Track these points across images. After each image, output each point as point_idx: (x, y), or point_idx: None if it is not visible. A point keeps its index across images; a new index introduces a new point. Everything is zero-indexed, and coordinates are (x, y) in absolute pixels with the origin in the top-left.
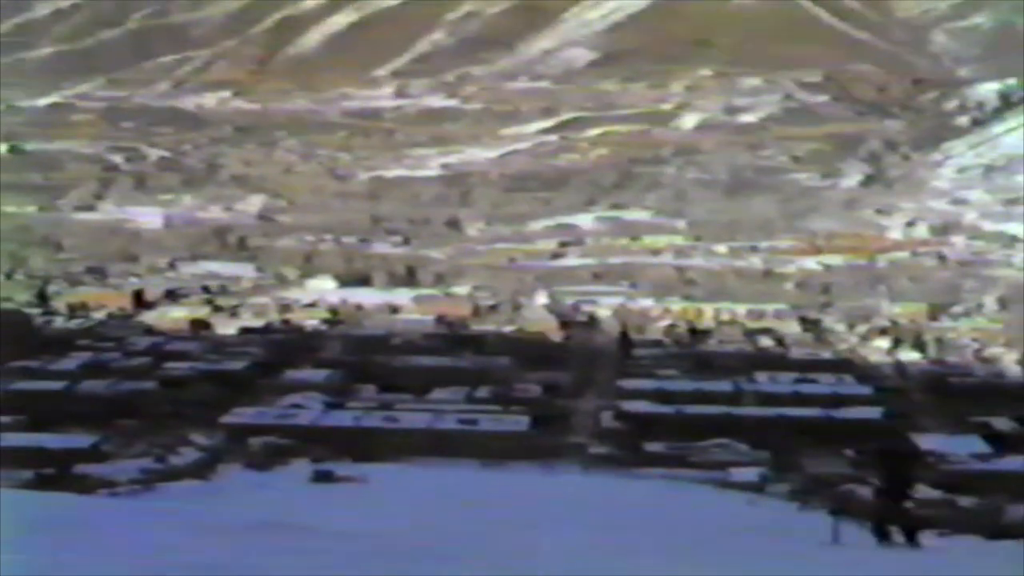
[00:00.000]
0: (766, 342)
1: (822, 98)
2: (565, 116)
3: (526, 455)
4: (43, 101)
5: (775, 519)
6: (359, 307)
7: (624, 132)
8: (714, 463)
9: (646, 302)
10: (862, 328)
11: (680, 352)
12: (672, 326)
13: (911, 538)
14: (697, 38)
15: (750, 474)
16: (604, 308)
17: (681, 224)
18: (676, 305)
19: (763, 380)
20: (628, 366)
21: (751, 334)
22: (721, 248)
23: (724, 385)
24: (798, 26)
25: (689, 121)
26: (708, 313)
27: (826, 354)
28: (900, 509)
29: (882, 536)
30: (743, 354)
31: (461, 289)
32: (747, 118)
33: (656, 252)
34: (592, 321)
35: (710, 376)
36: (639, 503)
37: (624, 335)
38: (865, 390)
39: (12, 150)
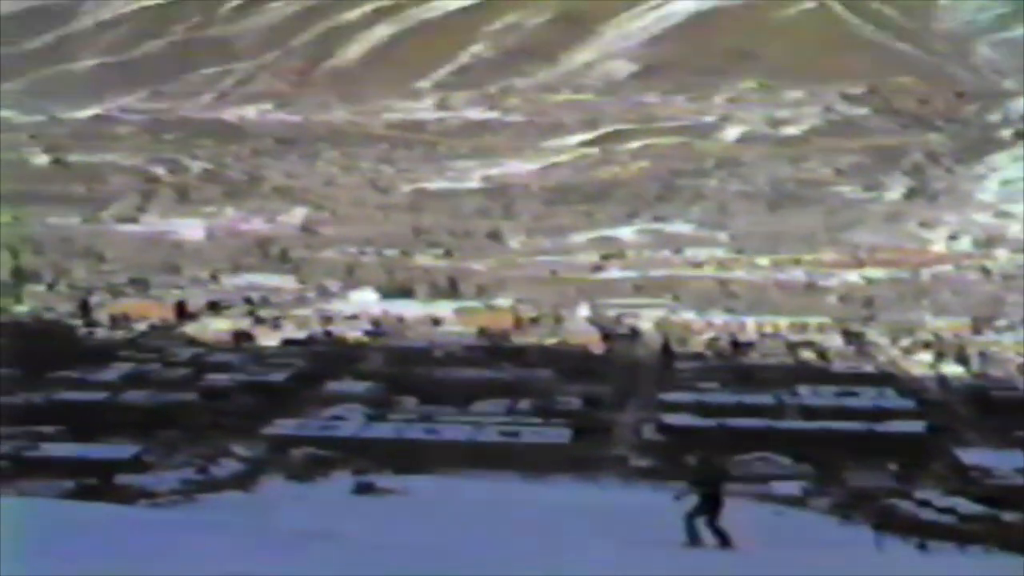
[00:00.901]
0: (808, 355)
1: (864, 110)
2: (606, 128)
3: (567, 467)
4: (86, 113)
5: (816, 532)
6: (401, 319)
7: (666, 144)
8: (756, 476)
9: (688, 315)
10: (905, 341)
11: (722, 365)
12: (714, 339)
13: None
14: (739, 50)
15: (792, 487)
16: (646, 321)
17: (723, 237)
18: (718, 318)
19: (805, 393)
20: (670, 379)
21: (793, 347)
22: (763, 261)
23: (766, 398)
24: (840, 38)
25: (731, 133)
26: (750, 326)
27: (868, 367)
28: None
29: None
30: (785, 367)
31: (503, 301)
32: (789, 130)
33: (698, 265)
34: (634, 334)
35: (752, 389)
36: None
37: (666, 348)
38: (908, 404)
39: (55, 162)
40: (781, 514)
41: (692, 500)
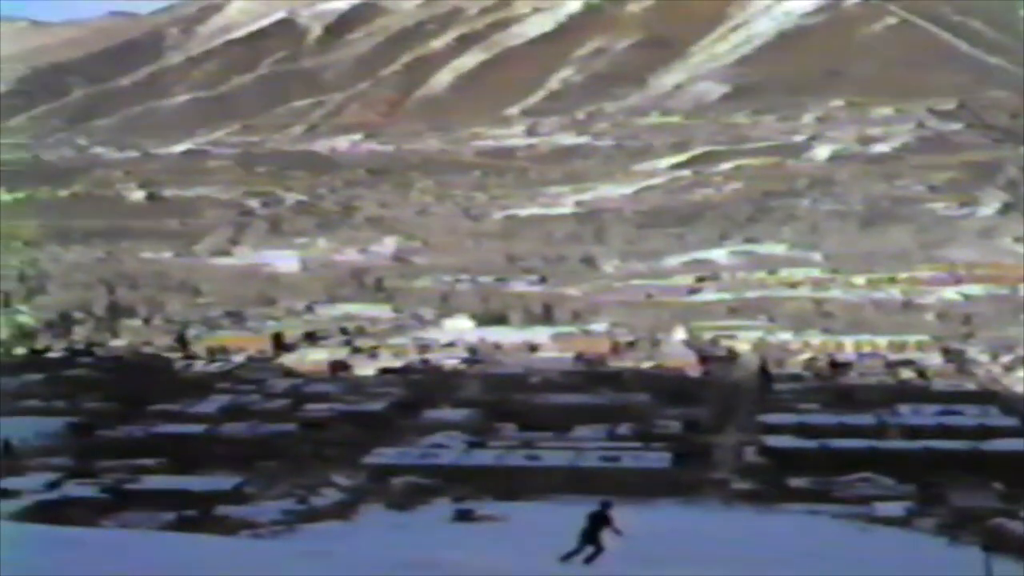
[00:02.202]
0: (908, 374)
1: (956, 126)
2: (697, 150)
3: (668, 491)
4: (178, 148)
5: (922, 555)
6: (497, 346)
7: (757, 165)
8: (859, 498)
9: (785, 336)
10: (1005, 358)
11: (821, 385)
12: (812, 359)
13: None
14: (827, 68)
15: (896, 508)
16: (742, 342)
17: (817, 256)
18: (815, 338)
19: (906, 413)
20: (768, 400)
21: (892, 366)
22: (859, 280)
23: (867, 418)
24: (929, 53)
25: (822, 152)
26: (848, 346)
27: (970, 385)
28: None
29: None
30: (885, 386)
31: (598, 326)
32: (881, 148)
33: (793, 285)
34: (731, 356)
35: (852, 409)
36: (782, 538)
37: (763, 369)
38: (1012, 422)
39: (149, 197)
40: (867, 531)
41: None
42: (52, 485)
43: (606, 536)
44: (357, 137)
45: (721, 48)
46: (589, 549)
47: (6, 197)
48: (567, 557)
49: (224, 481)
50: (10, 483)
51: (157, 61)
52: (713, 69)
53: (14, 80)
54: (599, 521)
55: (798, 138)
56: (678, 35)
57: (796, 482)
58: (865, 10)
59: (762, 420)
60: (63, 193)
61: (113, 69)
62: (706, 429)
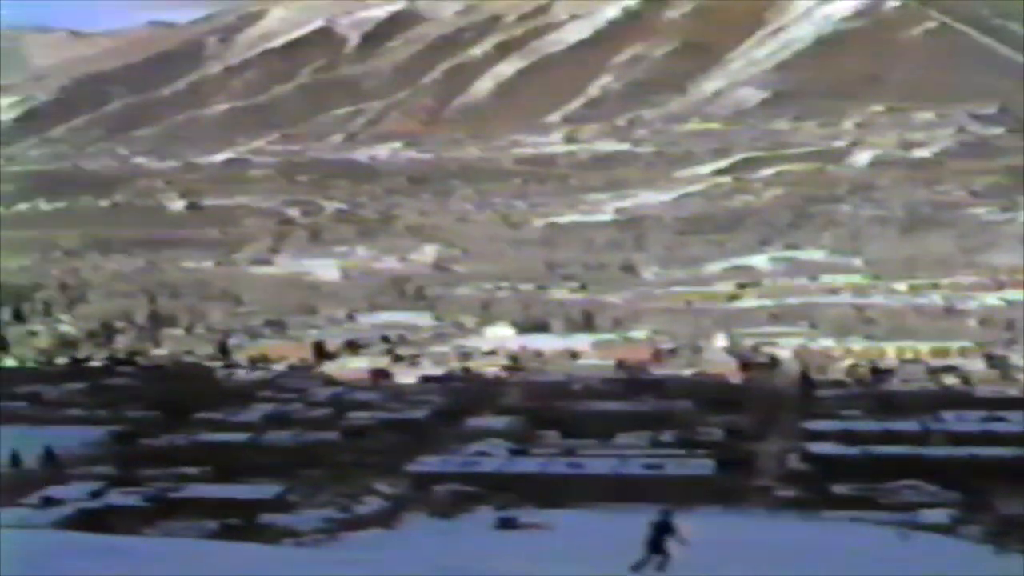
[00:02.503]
0: (951, 380)
1: (997, 130)
2: (738, 157)
3: (712, 498)
4: (219, 157)
5: (967, 562)
6: (538, 353)
7: (798, 171)
8: (903, 504)
9: (826, 342)
10: None
11: (863, 392)
12: (854, 366)
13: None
14: (867, 73)
15: (940, 515)
16: (784, 349)
17: (858, 262)
18: (857, 344)
19: (950, 419)
20: (811, 407)
21: (935, 372)
22: (900, 286)
23: (911, 425)
24: (969, 57)
25: (863, 158)
26: (890, 352)
27: (1013, 391)
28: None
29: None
30: (928, 393)
31: (639, 333)
32: (921, 153)
33: (834, 291)
34: (772, 362)
35: (895, 416)
36: (826, 545)
37: (805, 376)
38: None
39: (190, 206)
40: (911, 538)
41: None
42: (95, 494)
43: (671, 544)
44: (397, 145)
45: (760, 54)
46: (657, 558)
47: (46, 207)
48: (637, 567)
49: (267, 489)
50: (54, 492)
51: (197, 71)
52: (752, 75)
53: (55, 90)
54: (663, 529)
55: (838, 143)
56: (716, 41)
57: (839, 489)
58: (904, 14)
59: (805, 427)
60: (104, 203)
61: (153, 79)
62: (749, 436)
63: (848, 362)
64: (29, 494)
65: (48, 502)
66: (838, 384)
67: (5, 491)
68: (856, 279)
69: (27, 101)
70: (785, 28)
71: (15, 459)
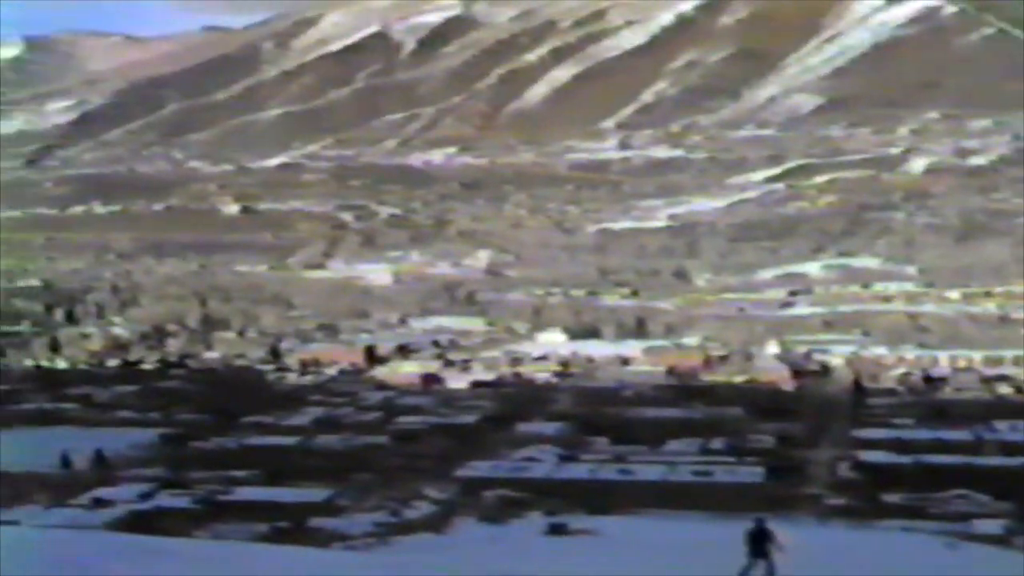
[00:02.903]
0: (1004, 389)
1: None
2: (791, 163)
3: (761, 507)
4: (273, 162)
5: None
6: (589, 359)
7: (852, 178)
8: (955, 515)
9: (879, 350)
10: None
11: (915, 400)
12: (906, 374)
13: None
14: (922, 80)
15: (993, 526)
16: (836, 357)
17: (912, 270)
18: (910, 353)
19: (1003, 428)
20: (863, 415)
21: (988, 381)
22: (954, 294)
23: (963, 434)
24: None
25: (917, 165)
26: (943, 360)
27: None
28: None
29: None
30: (981, 402)
31: (691, 340)
32: (977, 160)
33: (887, 299)
34: (824, 370)
35: (947, 425)
36: (877, 555)
37: (857, 384)
38: None
39: (244, 210)
40: (963, 549)
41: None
42: (145, 496)
43: (773, 551)
44: (451, 150)
45: (815, 60)
46: (763, 563)
47: (101, 210)
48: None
49: (317, 493)
50: (103, 493)
51: (252, 75)
52: (807, 81)
53: (110, 94)
54: (762, 537)
55: (893, 151)
56: (772, 47)
57: (891, 498)
58: (961, 21)
59: (856, 435)
60: (158, 206)
61: (208, 83)
62: (799, 444)
63: (900, 370)
64: (79, 495)
65: (98, 503)
66: (890, 392)
67: (55, 492)
68: (909, 287)
69: (82, 105)
70: (841, 34)
71: (65, 460)
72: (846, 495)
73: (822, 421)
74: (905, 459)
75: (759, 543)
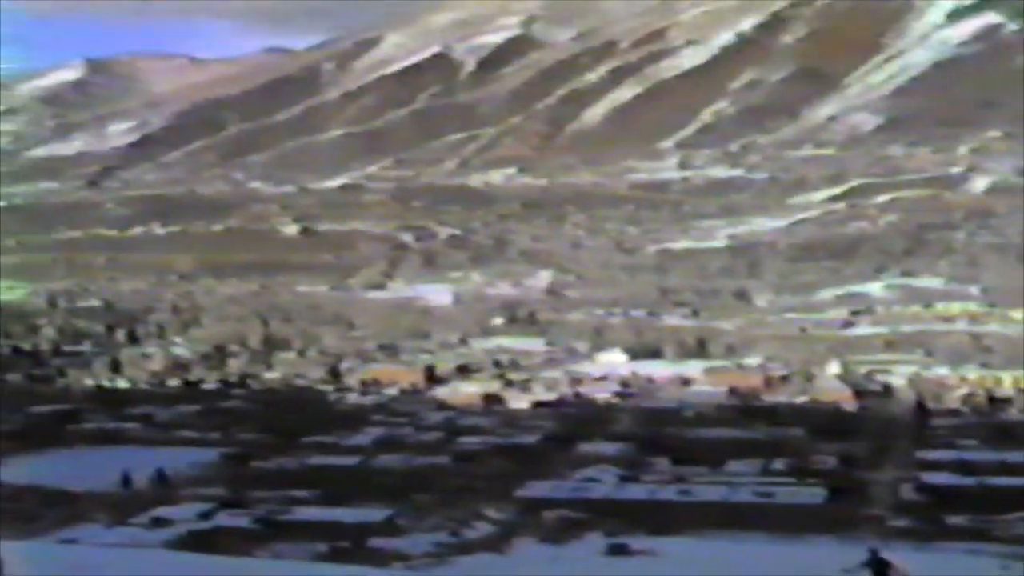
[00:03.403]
0: None
1: None
2: (852, 183)
3: (823, 528)
4: (333, 183)
5: None
6: (650, 379)
7: (913, 197)
8: (1020, 537)
9: (942, 370)
10: None
11: (979, 421)
12: (970, 395)
13: None
14: (983, 99)
15: None
16: (898, 377)
17: (975, 290)
18: (973, 373)
19: None
20: (926, 436)
21: None
22: (1017, 314)
23: None
24: None
25: (979, 184)
26: (1007, 381)
27: None
28: None
29: None
30: None
31: (752, 360)
32: None
33: (950, 319)
34: (886, 390)
35: (1012, 446)
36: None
37: (920, 404)
38: None
39: (304, 231)
40: (1008, 569)
41: None
42: (205, 515)
43: None
44: (511, 171)
45: (876, 79)
46: None
47: (161, 231)
48: None
49: (376, 513)
50: (164, 512)
51: (313, 96)
52: (867, 100)
53: (171, 116)
54: (882, 568)
55: (954, 170)
56: (832, 66)
57: (954, 520)
58: (1022, 39)
59: (919, 456)
60: (218, 227)
61: (269, 105)
62: (862, 465)
63: (964, 391)
64: (139, 514)
65: (158, 522)
66: (953, 413)
67: (115, 511)
68: (972, 307)
69: (144, 126)
70: (902, 53)
71: (126, 480)
72: (909, 517)
73: (884, 442)
74: (969, 480)
75: (881, 573)
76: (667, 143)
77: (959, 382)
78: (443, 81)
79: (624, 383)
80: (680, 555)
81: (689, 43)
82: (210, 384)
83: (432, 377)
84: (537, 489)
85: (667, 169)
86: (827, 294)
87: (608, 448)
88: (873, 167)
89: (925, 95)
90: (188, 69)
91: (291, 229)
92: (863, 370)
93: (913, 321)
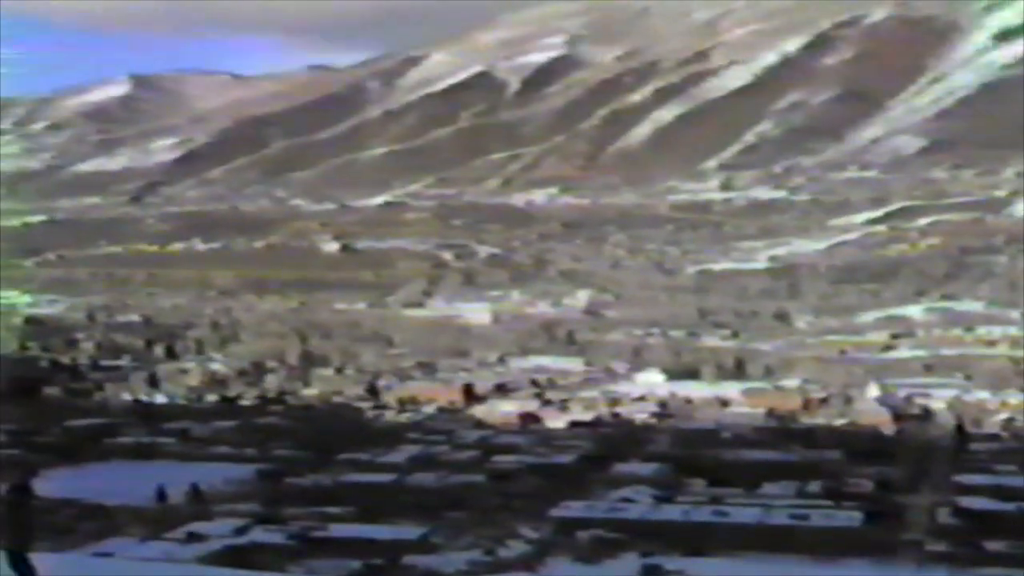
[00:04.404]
0: None
1: None
2: (894, 205)
3: (859, 552)
4: (375, 200)
5: None
6: (688, 400)
7: (955, 221)
8: None
9: (982, 394)
10: None
11: (1019, 447)
12: (1010, 420)
13: None
14: None
15: None
16: (938, 401)
17: (1016, 314)
18: (1013, 398)
19: None
20: (964, 461)
21: None
22: None
23: None
24: None
25: (1022, 208)
26: None
27: None
28: None
29: None
30: None
31: (791, 382)
32: None
33: (991, 343)
34: (926, 414)
35: None
36: None
37: (960, 429)
38: None
39: (344, 249)
40: None
41: None
42: (240, 530)
43: None
44: (553, 190)
45: (921, 101)
46: None
47: (202, 247)
48: None
49: (411, 531)
50: (199, 527)
51: (356, 114)
52: (912, 123)
53: (215, 132)
54: None
55: (998, 193)
56: (877, 88)
57: (993, 545)
58: None
59: (957, 481)
60: (259, 244)
61: (312, 122)
62: (899, 488)
63: (1004, 415)
64: (174, 529)
65: (192, 537)
66: (993, 438)
67: (150, 525)
68: (1013, 331)
69: (187, 143)
70: (947, 75)
71: (161, 494)
72: (947, 542)
73: (923, 466)
74: (1008, 506)
75: None
76: (710, 164)
77: (999, 406)
78: (487, 100)
79: (662, 404)
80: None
81: (733, 63)
82: (247, 400)
83: (470, 395)
84: (572, 509)
85: (709, 190)
86: (867, 317)
87: (644, 468)
88: (916, 190)
89: (970, 117)
90: (232, 86)
91: (331, 246)
92: (902, 393)
93: (953, 345)
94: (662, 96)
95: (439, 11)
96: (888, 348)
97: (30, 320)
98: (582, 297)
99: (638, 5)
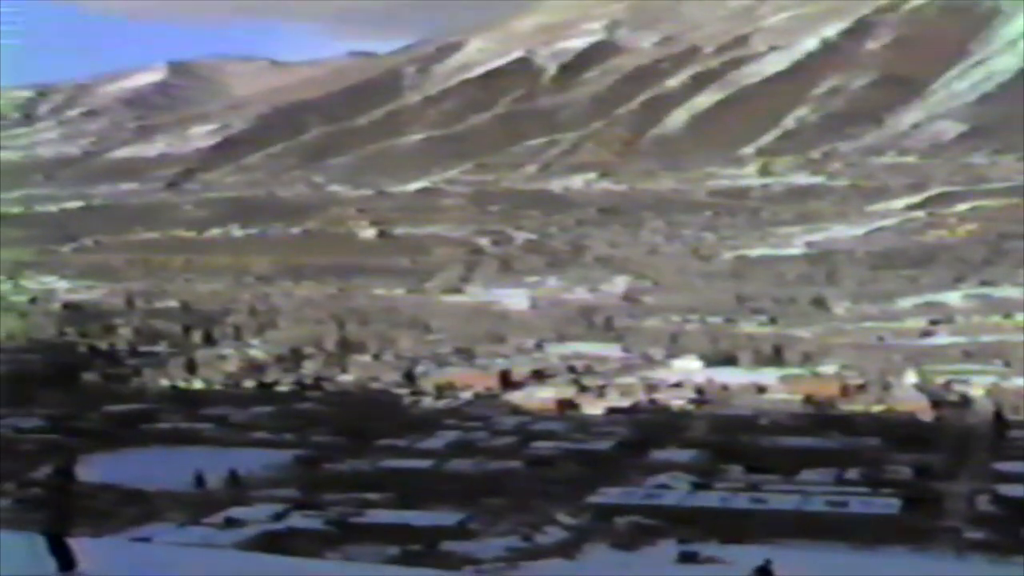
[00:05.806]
0: None
1: None
2: (933, 191)
3: (897, 539)
4: (413, 186)
5: None
6: (725, 387)
7: (994, 206)
8: None
9: (1020, 381)
10: None
11: None
12: None
13: None
14: None
15: None
16: (976, 388)
17: None
18: None
19: None
20: (1003, 448)
21: None
22: None
23: None
24: None
25: None
26: None
27: None
28: None
29: None
30: None
31: (828, 368)
32: None
33: None
34: (964, 401)
35: None
36: None
37: (998, 415)
38: None
39: (381, 235)
40: None
41: None
42: (278, 516)
43: None
44: (591, 176)
45: (961, 86)
46: None
47: (239, 233)
48: None
49: (448, 517)
50: (237, 513)
51: (395, 100)
52: (952, 108)
53: (253, 119)
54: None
55: None
56: (917, 73)
57: None
58: None
59: (996, 468)
60: (296, 230)
61: (351, 108)
62: (937, 476)
63: None
64: (212, 514)
65: (230, 523)
66: None
67: (189, 511)
68: None
69: (225, 129)
70: (988, 59)
71: (199, 480)
72: (985, 529)
73: (961, 453)
74: None
75: None
76: (748, 149)
77: None
78: (525, 86)
79: (699, 390)
80: (751, 563)
81: (772, 49)
82: (285, 386)
83: (507, 382)
84: (609, 495)
85: (747, 176)
86: (905, 303)
87: (681, 455)
88: (955, 175)
89: (1011, 102)
90: (270, 72)
91: (369, 232)
92: (940, 380)
93: (992, 331)
94: (700, 81)
95: None
96: (926, 334)
97: (68, 306)
98: (619, 283)
99: None
